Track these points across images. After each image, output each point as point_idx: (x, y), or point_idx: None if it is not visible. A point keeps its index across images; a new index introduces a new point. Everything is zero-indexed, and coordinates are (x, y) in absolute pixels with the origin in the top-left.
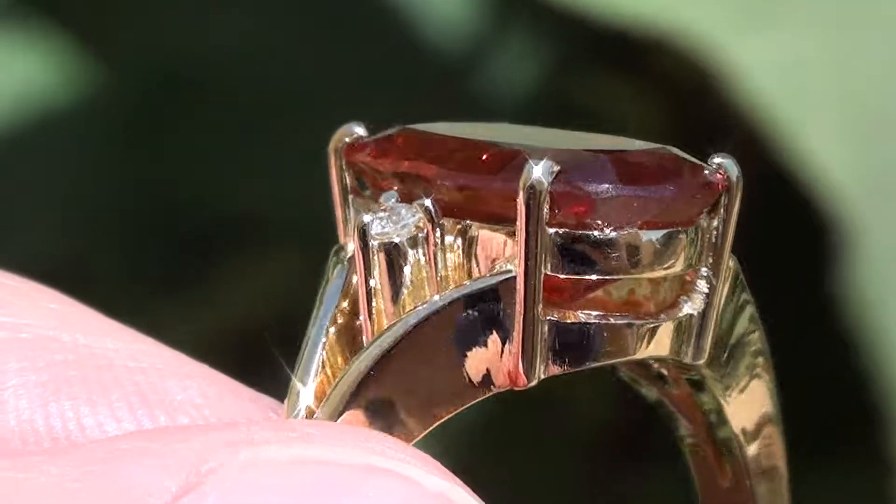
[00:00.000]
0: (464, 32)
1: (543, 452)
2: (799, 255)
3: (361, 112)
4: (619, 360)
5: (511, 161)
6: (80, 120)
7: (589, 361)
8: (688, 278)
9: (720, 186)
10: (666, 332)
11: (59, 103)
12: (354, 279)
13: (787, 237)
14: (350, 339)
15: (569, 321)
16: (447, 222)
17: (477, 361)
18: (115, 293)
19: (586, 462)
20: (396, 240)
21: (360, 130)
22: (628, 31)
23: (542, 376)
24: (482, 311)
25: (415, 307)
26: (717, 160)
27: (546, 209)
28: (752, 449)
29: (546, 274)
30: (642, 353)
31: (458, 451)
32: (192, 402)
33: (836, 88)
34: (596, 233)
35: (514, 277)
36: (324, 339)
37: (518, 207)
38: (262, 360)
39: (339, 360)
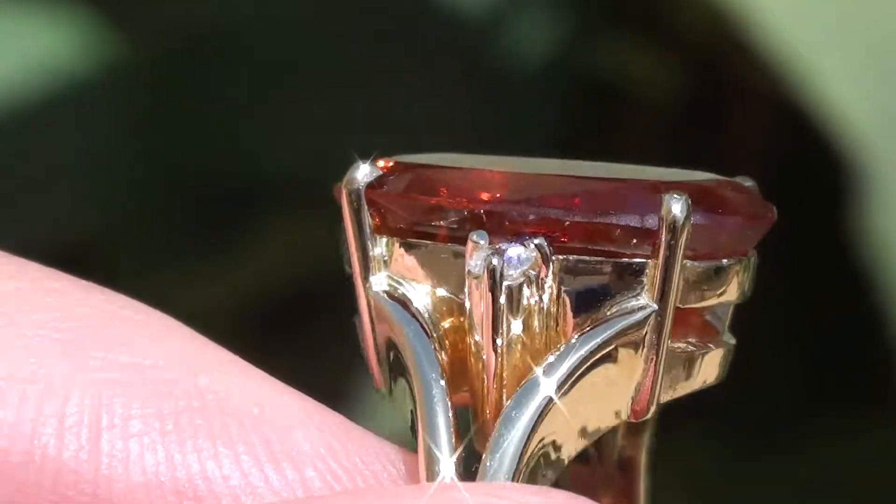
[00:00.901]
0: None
1: None
2: (816, 196)
3: (379, 79)
4: (700, 387)
5: (624, 194)
6: (101, 89)
7: (685, 390)
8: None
9: (773, 217)
10: (718, 357)
11: (80, 73)
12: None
13: (804, 179)
14: (458, 376)
15: (678, 349)
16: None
17: (608, 398)
18: (140, 259)
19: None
20: (519, 280)
21: (375, 168)
22: None
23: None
24: (619, 348)
25: (535, 343)
26: (747, 184)
27: (685, 243)
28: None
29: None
30: (709, 378)
31: None
32: (319, 455)
33: (855, 31)
34: (711, 263)
35: (654, 311)
36: (442, 387)
37: (659, 242)
38: (289, 323)
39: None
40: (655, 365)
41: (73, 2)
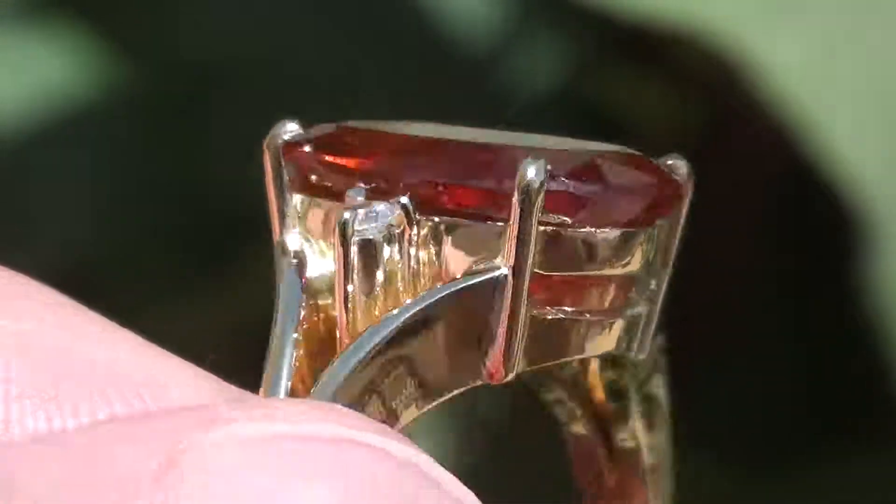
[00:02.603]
0: (485, 29)
1: (550, 451)
2: (823, 247)
3: (381, 107)
4: (587, 355)
5: (502, 159)
6: (100, 115)
7: (562, 357)
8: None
9: (684, 189)
10: (617, 328)
11: (83, 100)
12: (313, 274)
13: (811, 229)
14: (318, 338)
15: (547, 317)
16: (421, 219)
17: (458, 357)
18: (137, 286)
19: None
20: (375, 236)
21: (296, 127)
22: (652, 27)
23: (517, 371)
24: (468, 306)
25: (396, 302)
26: (670, 161)
27: (539, 208)
28: (645, 448)
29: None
30: (600, 348)
31: (464, 446)
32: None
33: (862, 82)
34: (580, 230)
35: (504, 274)
36: (293, 338)
37: (512, 206)
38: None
39: (308, 359)
40: (508, 329)
41: (73, 27)
